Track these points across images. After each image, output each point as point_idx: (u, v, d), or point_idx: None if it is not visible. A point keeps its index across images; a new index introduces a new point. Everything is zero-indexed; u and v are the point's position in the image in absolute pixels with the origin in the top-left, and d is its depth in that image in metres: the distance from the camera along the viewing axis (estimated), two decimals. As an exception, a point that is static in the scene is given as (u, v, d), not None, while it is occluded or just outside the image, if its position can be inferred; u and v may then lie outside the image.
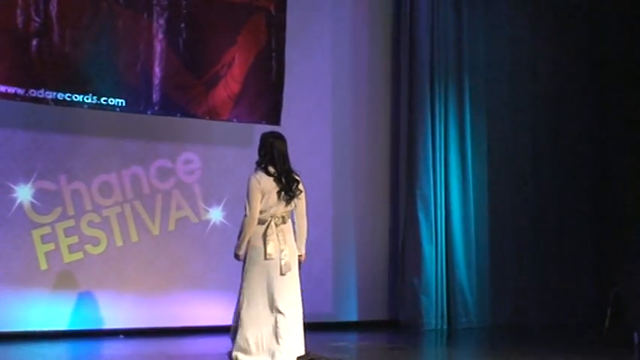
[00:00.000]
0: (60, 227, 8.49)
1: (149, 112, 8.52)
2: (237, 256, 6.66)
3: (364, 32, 10.11)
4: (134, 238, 8.81)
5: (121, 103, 8.33)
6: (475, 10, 10.41)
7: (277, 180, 6.61)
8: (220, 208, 9.13)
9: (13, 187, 8.33)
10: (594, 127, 11.13)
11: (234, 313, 6.68)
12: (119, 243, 8.74)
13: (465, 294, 9.98)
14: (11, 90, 7.78)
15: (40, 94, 7.93)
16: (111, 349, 7.78)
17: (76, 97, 8.11)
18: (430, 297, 9.75)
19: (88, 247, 8.60)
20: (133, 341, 8.27)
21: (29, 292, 8.29)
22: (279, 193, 6.60)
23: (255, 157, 6.73)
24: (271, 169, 6.63)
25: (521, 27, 10.78)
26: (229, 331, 6.70)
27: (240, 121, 8.93)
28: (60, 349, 7.84)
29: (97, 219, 8.66)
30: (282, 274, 6.60)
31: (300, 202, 6.75)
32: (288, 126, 9.03)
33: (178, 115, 8.67)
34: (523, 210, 10.62)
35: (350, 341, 8.64)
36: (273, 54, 9.05)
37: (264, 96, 9.00)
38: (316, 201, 9.52)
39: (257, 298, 6.58)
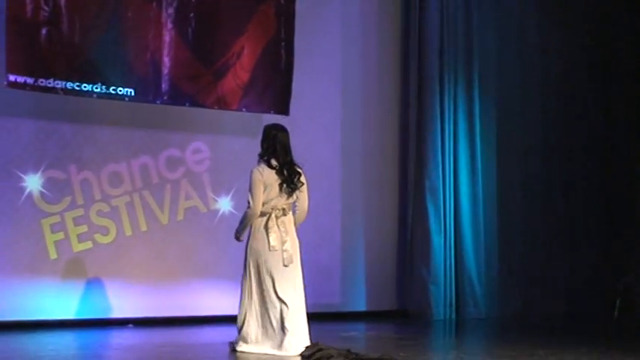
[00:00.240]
0: (69, 216, 8.50)
1: (158, 102, 8.53)
2: (237, 239, 6.83)
3: (373, 22, 10.08)
4: (143, 227, 8.82)
5: (130, 92, 8.33)
6: (485, 1, 10.39)
7: (279, 172, 6.62)
8: (229, 197, 9.13)
9: (23, 176, 8.34)
10: (604, 118, 11.10)
11: (239, 303, 6.72)
12: (128, 232, 8.75)
13: (474, 284, 9.99)
14: (21, 79, 7.79)
15: (50, 83, 7.94)
16: (120, 338, 7.80)
17: (85, 87, 8.11)
18: (439, 287, 9.76)
19: (97, 237, 8.61)
20: (143, 330, 8.28)
21: (39, 281, 8.31)
22: (280, 185, 6.63)
23: (263, 147, 6.77)
24: (273, 162, 6.64)
25: (530, 19, 10.76)
26: (236, 320, 6.75)
27: (249, 110, 8.93)
28: (69, 338, 7.86)
29: (106, 208, 8.67)
30: (284, 265, 6.62)
31: (302, 195, 6.77)
32: (296, 116, 9.04)
33: (187, 104, 8.67)
34: (532, 201, 10.61)
35: (358, 331, 8.64)
36: (283, 43, 9.04)
37: (273, 86, 8.99)
38: (325, 191, 9.55)
39: (260, 288, 6.60)
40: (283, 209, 6.68)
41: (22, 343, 7.36)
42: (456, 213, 9.95)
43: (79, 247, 8.53)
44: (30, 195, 8.36)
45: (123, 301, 8.62)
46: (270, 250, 6.59)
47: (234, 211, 9.05)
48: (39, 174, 8.40)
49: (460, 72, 10.09)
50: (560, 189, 10.81)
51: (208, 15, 8.65)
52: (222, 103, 8.77)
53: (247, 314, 6.64)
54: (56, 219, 8.45)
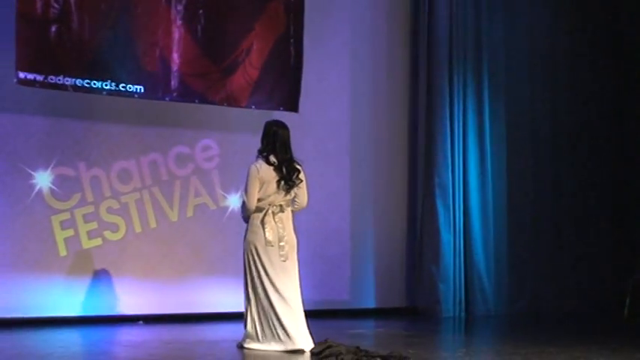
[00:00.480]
0: (79, 213, 8.51)
1: (167, 99, 8.53)
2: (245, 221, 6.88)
3: (382, 19, 10.07)
4: (153, 224, 8.83)
5: (140, 89, 8.33)
6: (494, 1, 10.36)
7: (277, 169, 6.63)
8: (238, 194, 9.11)
9: (33, 173, 8.35)
10: (614, 114, 11.07)
11: (244, 300, 6.73)
12: (138, 229, 8.76)
13: (483, 282, 9.98)
14: (30, 76, 7.80)
15: (59, 80, 7.95)
16: (129, 335, 7.81)
17: (94, 84, 8.12)
18: (448, 284, 9.75)
19: (107, 233, 8.63)
20: (152, 327, 8.29)
21: (48, 278, 8.33)
22: (278, 182, 6.62)
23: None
24: (272, 159, 6.64)
25: (540, 15, 10.73)
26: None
27: (258, 107, 8.92)
28: (79, 334, 7.87)
29: (115, 205, 8.69)
30: (282, 260, 6.62)
31: (301, 191, 6.77)
32: (306, 112, 9.04)
33: (196, 101, 8.67)
34: (541, 198, 10.59)
35: (368, 328, 8.64)
36: (292, 40, 9.03)
37: (283, 82, 8.98)
38: (334, 187, 9.55)
39: (260, 284, 6.60)
40: (280, 206, 6.69)
41: (31, 340, 7.37)
42: (466, 210, 9.95)
43: (88, 243, 8.54)
44: (40, 192, 8.37)
45: (132, 297, 8.63)
46: (266, 245, 6.60)
47: (243, 208, 9.04)
48: (49, 171, 8.42)
49: (469, 70, 10.08)
50: (570, 187, 10.78)
51: (217, 12, 8.64)
52: (231, 100, 8.77)
53: (251, 311, 6.66)
54: (66, 216, 8.47)
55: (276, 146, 6.69)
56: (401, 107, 10.14)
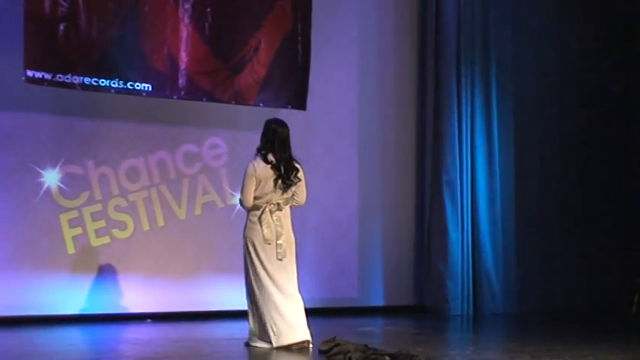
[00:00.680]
0: (87, 211, 8.53)
1: (175, 97, 8.53)
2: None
3: (390, 18, 10.06)
4: (160, 222, 8.84)
5: (148, 87, 8.34)
6: None
7: (275, 168, 6.61)
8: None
9: (41, 171, 8.37)
10: (623, 113, 11.04)
11: (246, 298, 6.74)
12: (146, 227, 8.77)
13: (492, 279, 9.96)
14: (39, 75, 7.81)
15: (68, 78, 7.95)
16: (138, 333, 7.82)
17: (103, 82, 8.13)
18: (456, 282, 9.74)
19: (115, 232, 8.64)
20: (160, 325, 8.30)
21: (56, 276, 8.35)
22: (275, 180, 6.60)
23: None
24: (270, 157, 6.63)
25: (548, 15, 10.70)
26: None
27: (266, 105, 8.91)
28: (87, 333, 7.89)
29: (123, 203, 8.70)
30: (278, 259, 6.62)
31: (299, 190, 6.76)
32: (313, 112, 9.04)
33: (204, 99, 8.67)
34: (549, 196, 10.57)
35: (376, 326, 8.64)
36: (299, 38, 9.03)
37: (290, 80, 8.98)
38: (342, 186, 9.55)
39: (259, 282, 6.60)
40: (278, 204, 6.68)
41: (40, 338, 7.39)
42: (474, 208, 9.93)
43: (96, 242, 8.56)
44: (48, 190, 8.39)
45: (140, 295, 8.65)
46: (264, 243, 6.61)
47: (251, 206, 9.04)
48: (57, 169, 8.43)
49: (477, 70, 10.05)
50: (579, 184, 10.76)
51: (225, 10, 8.64)
52: (239, 98, 8.77)
53: (254, 308, 6.66)
54: (74, 214, 8.48)
55: (274, 144, 6.68)
56: (409, 106, 10.12)
